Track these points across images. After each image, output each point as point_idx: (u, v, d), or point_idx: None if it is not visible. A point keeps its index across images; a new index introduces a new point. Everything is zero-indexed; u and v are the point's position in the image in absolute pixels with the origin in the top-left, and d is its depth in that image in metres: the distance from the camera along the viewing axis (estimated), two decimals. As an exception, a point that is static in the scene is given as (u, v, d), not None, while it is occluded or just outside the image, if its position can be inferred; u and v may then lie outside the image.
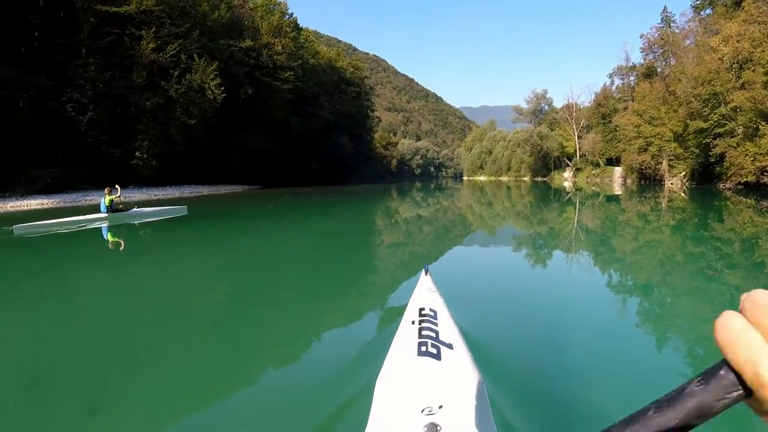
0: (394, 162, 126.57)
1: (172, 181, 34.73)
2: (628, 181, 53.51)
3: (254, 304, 5.08)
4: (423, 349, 1.92)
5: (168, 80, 32.73)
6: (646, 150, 49.54)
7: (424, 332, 2.09)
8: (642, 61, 60.49)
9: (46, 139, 29.20)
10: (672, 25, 56.23)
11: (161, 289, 5.93)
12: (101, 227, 12.11)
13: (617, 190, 35.25)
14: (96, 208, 13.57)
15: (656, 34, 56.48)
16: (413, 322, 2.26)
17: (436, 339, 2.01)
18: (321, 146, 60.67)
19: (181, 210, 15.20)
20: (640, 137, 49.98)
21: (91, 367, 3.30)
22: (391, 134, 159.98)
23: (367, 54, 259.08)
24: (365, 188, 44.13)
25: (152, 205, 18.05)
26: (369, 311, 4.77)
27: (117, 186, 13.92)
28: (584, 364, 3.25)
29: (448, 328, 2.21)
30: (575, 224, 13.50)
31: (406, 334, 2.19)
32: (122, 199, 13.85)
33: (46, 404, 2.76)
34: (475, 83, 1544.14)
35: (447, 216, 17.82)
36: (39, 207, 22.74)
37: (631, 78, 63.49)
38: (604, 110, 66.35)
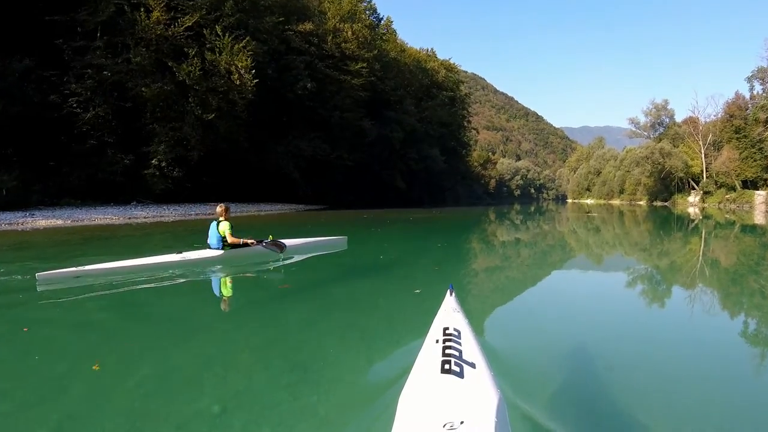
0: (493, 182, 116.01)
1: (184, 197, 26.05)
2: (778, 207, 44.68)
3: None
4: (446, 367, 1.90)
5: (180, 62, 24.34)
6: (817, 166, 39.66)
7: (447, 351, 2.06)
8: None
9: (24, 138, 22.11)
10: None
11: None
12: (210, 277, 6.73)
13: (760, 219, 28.79)
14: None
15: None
16: (437, 341, 2.24)
17: (460, 358, 2.00)
18: (406, 159, 50.50)
19: (340, 242, 10.41)
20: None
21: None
22: (490, 153, 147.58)
23: (466, 72, 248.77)
24: (455, 213, 32.59)
25: None
26: (393, 330, 4.49)
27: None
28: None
29: (471, 348, 2.18)
30: (700, 257, 10.68)
31: (430, 353, 2.17)
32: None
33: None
34: (575, 102, 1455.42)
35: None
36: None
37: (776, 80, 53.33)
38: (738, 123, 56.88)
